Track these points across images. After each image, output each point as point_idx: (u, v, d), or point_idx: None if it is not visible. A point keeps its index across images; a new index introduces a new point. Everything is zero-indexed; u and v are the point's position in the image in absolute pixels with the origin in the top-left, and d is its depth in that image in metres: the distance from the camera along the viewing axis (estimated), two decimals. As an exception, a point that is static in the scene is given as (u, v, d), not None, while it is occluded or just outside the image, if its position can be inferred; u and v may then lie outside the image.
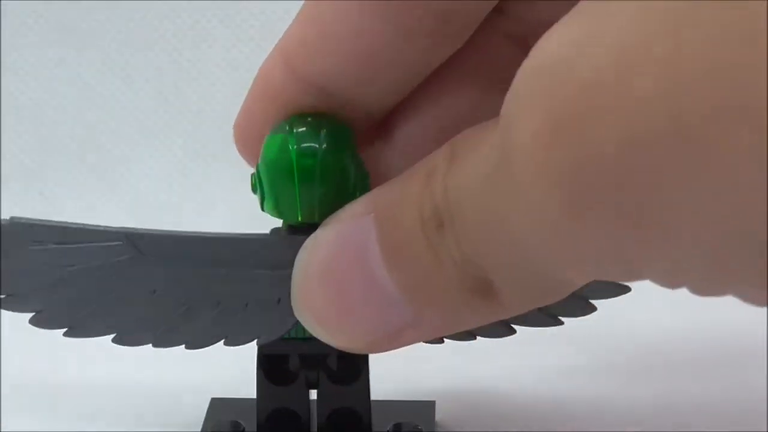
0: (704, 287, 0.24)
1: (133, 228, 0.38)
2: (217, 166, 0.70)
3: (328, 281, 0.32)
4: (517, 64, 0.25)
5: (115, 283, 0.38)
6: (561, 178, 0.23)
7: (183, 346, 0.40)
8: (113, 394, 0.49)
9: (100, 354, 0.48)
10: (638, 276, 0.25)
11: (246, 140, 0.39)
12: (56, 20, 0.70)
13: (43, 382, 0.51)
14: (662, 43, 0.20)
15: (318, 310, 0.33)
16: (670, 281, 0.24)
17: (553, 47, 0.23)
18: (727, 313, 0.53)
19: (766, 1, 0.18)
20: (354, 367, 0.40)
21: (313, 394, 0.42)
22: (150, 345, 0.40)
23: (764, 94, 0.18)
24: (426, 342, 0.36)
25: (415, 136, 0.38)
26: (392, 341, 0.32)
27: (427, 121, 0.38)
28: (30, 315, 0.40)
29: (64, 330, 0.40)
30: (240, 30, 0.71)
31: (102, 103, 0.71)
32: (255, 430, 0.42)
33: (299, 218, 0.36)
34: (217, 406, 0.45)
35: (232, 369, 0.45)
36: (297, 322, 0.35)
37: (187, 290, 0.39)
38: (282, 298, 0.37)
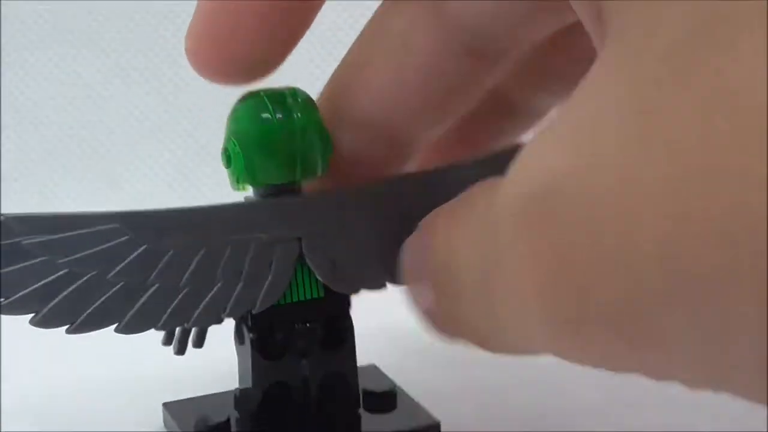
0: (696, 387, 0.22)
1: (127, 210, 0.36)
2: (216, 166, 0.69)
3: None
4: None
5: (114, 270, 0.37)
6: (563, 326, 0.22)
7: (191, 327, 0.40)
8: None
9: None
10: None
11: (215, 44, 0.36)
12: (56, 20, 0.70)
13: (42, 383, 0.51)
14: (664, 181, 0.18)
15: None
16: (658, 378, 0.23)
17: (542, 176, 0.22)
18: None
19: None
20: (340, 332, 0.41)
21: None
22: (153, 330, 0.39)
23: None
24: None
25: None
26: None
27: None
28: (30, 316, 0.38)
29: (67, 327, 0.38)
30: (240, 30, 0.71)
31: (102, 104, 0.71)
32: (237, 420, 0.42)
33: (283, 179, 0.37)
34: (175, 408, 0.44)
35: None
36: (288, 285, 0.37)
37: (187, 270, 0.38)
38: (274, 261, 0.38)
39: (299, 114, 0.37)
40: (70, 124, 0.70)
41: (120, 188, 0.69)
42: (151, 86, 0.71)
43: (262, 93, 0.39)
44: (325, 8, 0.39)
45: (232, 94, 0.73)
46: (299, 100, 0.38)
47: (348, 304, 0.41)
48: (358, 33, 0.40)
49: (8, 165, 0.68)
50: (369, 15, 0.40)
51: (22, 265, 0.36)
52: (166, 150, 0.70)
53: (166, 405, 0.44)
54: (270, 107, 0.38)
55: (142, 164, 0.71)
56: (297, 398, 0.41)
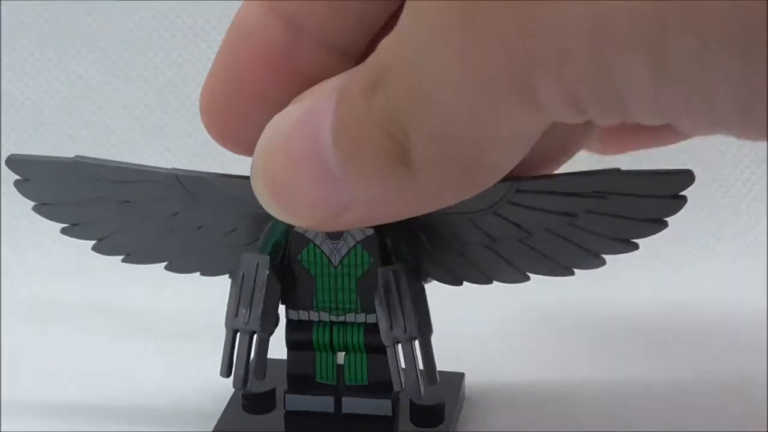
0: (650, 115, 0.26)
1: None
2: (216, 166, 0.69)
3: (286, 154, 0.34)
4: None
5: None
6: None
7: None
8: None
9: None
10: (580, 109, 0.27)
11: (222, 106, 0.41)
12: (56, 20, 0.70)
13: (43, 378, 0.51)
14: None
15: (271, 179, 0.34)
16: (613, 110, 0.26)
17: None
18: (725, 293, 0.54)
19: None
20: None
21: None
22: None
23: None
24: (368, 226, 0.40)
25: None
26: (333, 222, 0.34)
27: None
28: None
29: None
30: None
31: (101, 104, 0.71)
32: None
33: None
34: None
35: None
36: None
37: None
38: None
39: None
40: (69, 124, 0.70)
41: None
42: (150, 86, 0.71)
43: None
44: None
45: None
46: None
47: None
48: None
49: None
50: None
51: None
52: (166, 151, 0.70)
53: None
54: None
55: (141, 163, 0.70)
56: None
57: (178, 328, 0.56)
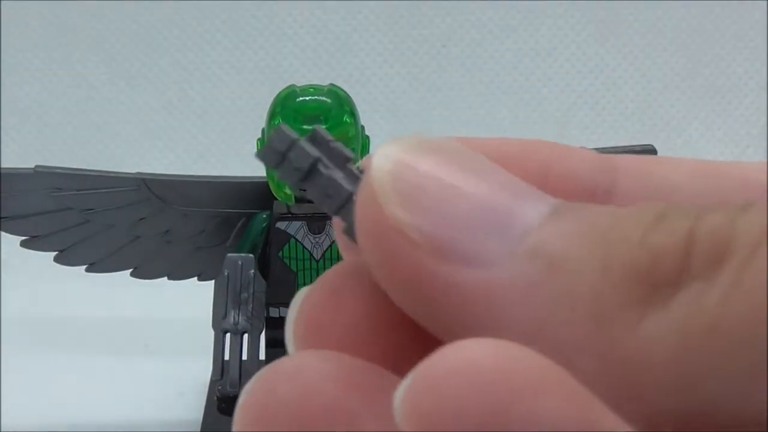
0: None
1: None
2: (220, 167, 0.70)
3: None
4: None
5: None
6: None
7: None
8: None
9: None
10: None
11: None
12: (59, 22, 0.71)
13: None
14: None
15: None
16: None
17: None
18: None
19: None
20: None
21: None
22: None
23: None
24: None
25: None
26: None
27: None
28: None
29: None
30: (244, 33, 0.71)
31: (105, 105, 0.71)
32: None
33: None
34: None
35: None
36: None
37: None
38: None
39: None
40: (73, 125, 0.71)
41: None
42: (154, 88, 0.71)
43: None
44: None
45: (235, 96, 0.73)
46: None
47: None
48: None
49: (9, 165, 0.69)
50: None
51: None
52: (169, 152, 0.70)
53: None
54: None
55: (145, 165, 0.70)
56: None
57: (142, 337, 0.56)
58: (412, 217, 0.15)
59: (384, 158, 0.15)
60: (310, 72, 0.71)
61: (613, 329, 0.15)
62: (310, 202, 0.40)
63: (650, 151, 0.39)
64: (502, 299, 0.15)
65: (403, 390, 0.14)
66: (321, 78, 0.47)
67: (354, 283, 0.17)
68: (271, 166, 0.16)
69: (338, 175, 0.16)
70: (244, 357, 0.41)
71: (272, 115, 0.41)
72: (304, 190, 0.16)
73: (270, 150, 0.16)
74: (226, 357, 0.41)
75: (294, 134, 0.16)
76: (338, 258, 0.41)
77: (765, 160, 0.56)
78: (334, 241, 0.41)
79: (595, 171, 0.18)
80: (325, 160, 0.16)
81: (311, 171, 0.16)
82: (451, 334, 0.15)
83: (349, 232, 0.15)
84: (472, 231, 0.15)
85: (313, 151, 0.16)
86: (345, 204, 0.15)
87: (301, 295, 0.18)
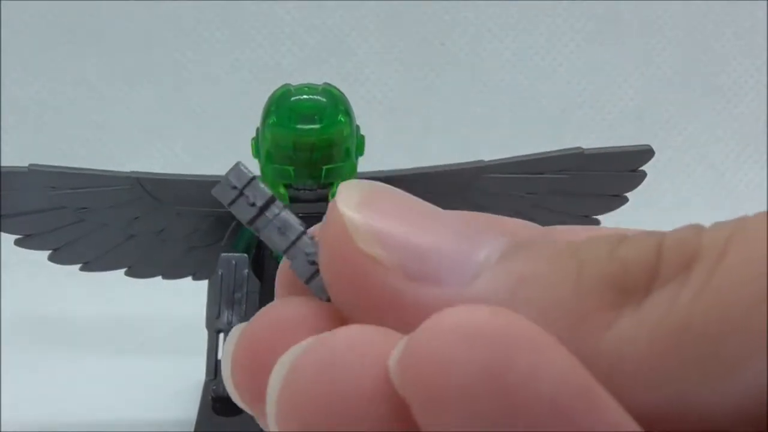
0: None
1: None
2: (218, 166, 0.69)
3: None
4: None
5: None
6: None
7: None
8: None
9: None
10: None
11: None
12: (58, 22, 0.71)
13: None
14: None
15: None
16: None
17: None
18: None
19: None
20: None
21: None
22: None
23: None
24: None
25: None
26: None
27: None
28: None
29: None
30: (241, 31, 0.71)
31: (103, 104, 0.71)
32: None
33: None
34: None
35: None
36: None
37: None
38: None
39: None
40: (71, 124, 0.71)
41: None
42: (152, 87, 0.71)
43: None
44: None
45: (233, 95, 0.73)
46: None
47: None
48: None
49: (5, 163, 0.69)
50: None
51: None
52: (167, 150, 0.70)
53: None
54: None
55: (143, 164, 0.70)
56: None
57: (136, 337, 0.56)
58: (383, 250, 0.16)
59: (347, 204, 0.16)
60: (307, 71, 0.71)
61: (587, 331, 0.15)
62: (305, 202, 0.40)
63: (647, 151, 0.39)
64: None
65: (400, 351, 0.15)
66: (319, 77, 0.47)
67: (293, 316, 0.18)
68: (226, 203, 0.17)
69: (290, 216, 0.17)
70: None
71: (267, 115, 0.41)
72: (255, 228, 0.17)
73: (226, 186, 0.17)
74: (220, 357, 0.41)
75: (250, 173, 0.17)
76: None
77: (763, 164, 0.55)
78: None
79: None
80: (277, 201, 0.17)
81: (265, 208, 0.17)
82: None
83: (297, 266, 0.17)
84: (439, 260, 0.16)
85: (268, 190, 0.17)
86: (296, 241, 0.17)
87: (237, 330, 0.19)
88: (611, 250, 0.16)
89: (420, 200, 0.17)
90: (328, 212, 0.16)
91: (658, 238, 0.16)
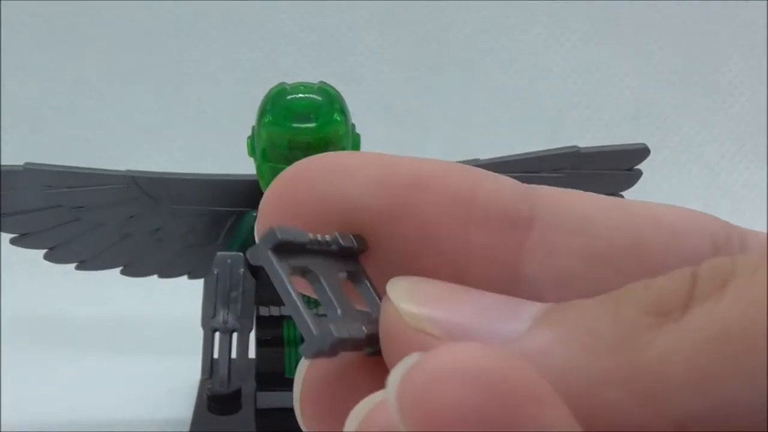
0: None
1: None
2: (216, 165, 0.69)
3: None
4: None
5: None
6: None
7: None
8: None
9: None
10: None
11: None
12: (56, 21, 0.71)
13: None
14: None
15: None
16: None
17: None
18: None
19: None
20: None
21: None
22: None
23: None
24: None
25: None
26: None
27: None
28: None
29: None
30: (238, 31, 0.71)
31: (102, 104, 0.71)
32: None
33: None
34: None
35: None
36: None
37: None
38: None
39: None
40: (69, 124, 0.71)
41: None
42: (150, 87, 0.71)
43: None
44: None
45: (231, 95, 0.73)
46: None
47: None
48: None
49: (3, 162, 0.69)
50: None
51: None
52: (165, 150, 0.70)
53: None
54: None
55: (141, 164, 0.70)
56: None
57: (132, 336, 0.57)
58: (430, 324, 0.18)
59: (400, 298, 0.18)
60: (304, 70, 0.71)
61: (628, 352, 0.16)
62: None
63: (643, 149, 0.39)
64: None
65: (398, 381, 0.16)
66: (316, 76, 0.47)
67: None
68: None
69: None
70: (234, 356, 0.41)
71: (262, 113, 0.41)
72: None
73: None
74: (216, 356, 0.41)
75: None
76: None
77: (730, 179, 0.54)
78: None
79: (518, 199, 0.19)
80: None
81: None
82: None
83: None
84: (479, 321, 0.18)
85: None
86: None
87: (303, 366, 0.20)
88: (647, 284, 0.17)
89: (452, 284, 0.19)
90: (383, 304, 0.18)
91: (693, 268, 0.17)
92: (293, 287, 0.17)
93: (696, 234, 0.20)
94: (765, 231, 0.21)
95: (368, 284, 0.18)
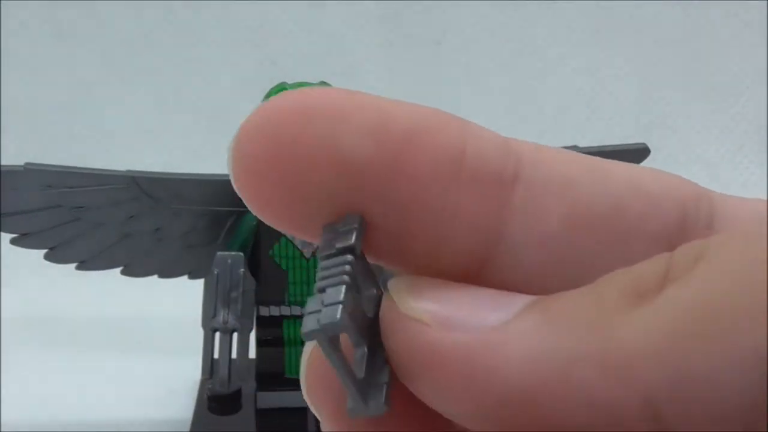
0: None
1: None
2: (216, 165, 0.69)
3: None
4: None
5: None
6: None
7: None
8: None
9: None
10: None
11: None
12: (56, 20, 0.71)
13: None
14: None
15: None
16: None
17: None
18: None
19: None
20: None
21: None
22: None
23: None
24: None
25: None
26: None
27: None
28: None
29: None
30: (238, 30, 0.71)
31: (101, 103, 0.71)
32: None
33: None
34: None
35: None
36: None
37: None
38: None
39: None
40: (69, 123, 0.71)
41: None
42: (149, 86, 0.71)
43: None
44: None
45: (229, 94, 0.73)
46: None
47: None
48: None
49: (2, 162, 0.69)
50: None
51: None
52: (164, 149, 0.70)
53: None
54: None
55: (140, 164, 0.70)
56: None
57: (132, 336, 0.57)
58: (426, 314, 0.19)
59: (397, 292, 0.19)
60: (304, 70, 0.71)
61: (605, 332, 0.17)
62: None
63: (643, 149, 0.39)
64: (504, 347, 0.17)
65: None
66: (316, 76, 0.47)
67: None
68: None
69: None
70: (234, 356, 0.41)
71: None
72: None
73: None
74: (216, 356, 0.41)
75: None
76: None
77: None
78: None
79: (503, 156, 0.19)
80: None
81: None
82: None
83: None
84: (469, 311, 0.18)
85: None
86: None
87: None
88: (627, 270, 0.18)
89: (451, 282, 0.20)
90: (384, 298, 0.19)
91: (672, 252, 0.17)
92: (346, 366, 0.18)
93: (669, 199, 0.20)
94: (738, 198, 0.21)
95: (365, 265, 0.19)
